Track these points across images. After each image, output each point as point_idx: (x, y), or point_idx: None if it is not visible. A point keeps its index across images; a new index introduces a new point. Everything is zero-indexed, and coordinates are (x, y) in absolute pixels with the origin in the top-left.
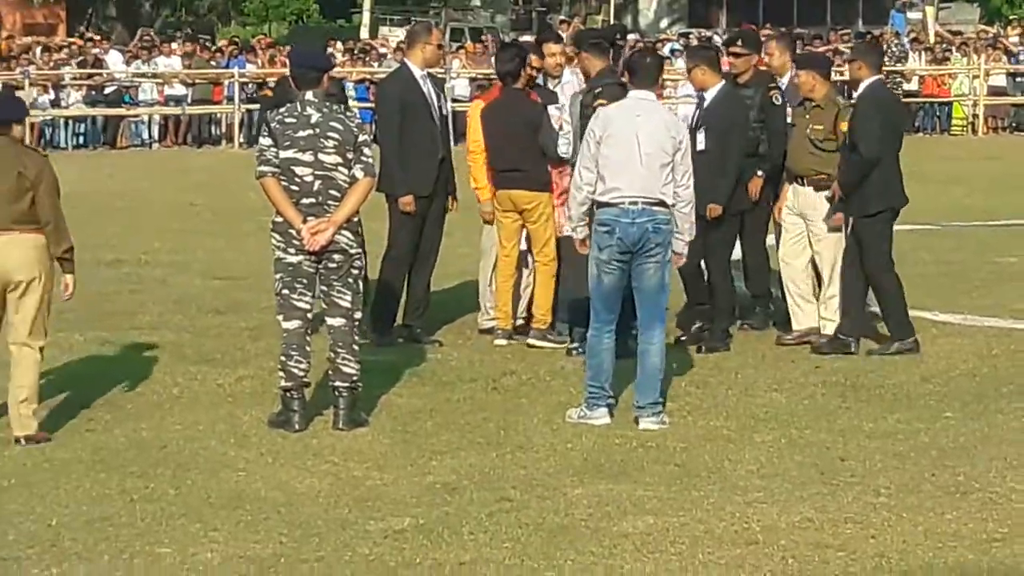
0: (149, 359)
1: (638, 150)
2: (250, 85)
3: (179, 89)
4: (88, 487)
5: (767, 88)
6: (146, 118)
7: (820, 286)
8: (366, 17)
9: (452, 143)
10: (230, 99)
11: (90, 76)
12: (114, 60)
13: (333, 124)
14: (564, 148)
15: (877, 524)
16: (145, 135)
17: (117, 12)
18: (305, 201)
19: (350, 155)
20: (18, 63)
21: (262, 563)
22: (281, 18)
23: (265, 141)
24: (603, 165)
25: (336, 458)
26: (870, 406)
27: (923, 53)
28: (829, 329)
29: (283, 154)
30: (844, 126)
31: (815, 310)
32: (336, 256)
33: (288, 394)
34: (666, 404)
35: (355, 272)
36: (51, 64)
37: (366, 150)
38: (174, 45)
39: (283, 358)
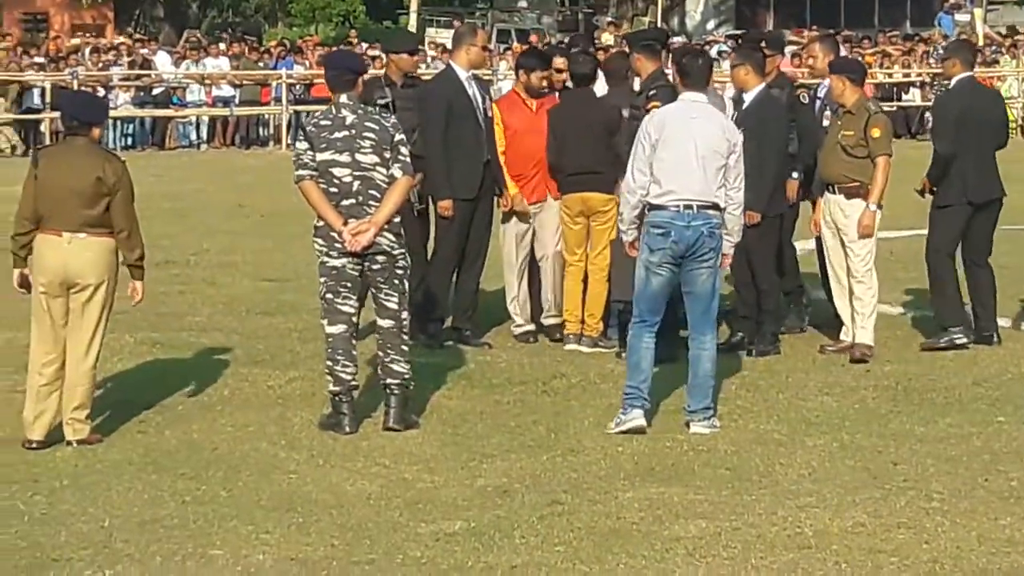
0: (199, 361)
1: (695, 153)
2: (298, 86)
3: (227, 90)
4: (140, 489)
5: (794, 87)
6: (194, 119)
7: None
8: (413, 18)
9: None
10: (278, 100)
11: (138, 77)
12: (162, 61)
13: (369, 124)
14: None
15: (930, 529)
16: (193, 136)
17: (164, 13)
18: (345, 202)
19: (387, 155)
20: (67, 64)
21: (314, 565)
22: (328, 19)
23: (301, 145)
24: (658, 168)
25: (387, 460)
26: (922, 410)
27: None
28: (861, 338)
29: (320, 156)
30: (875, 132)
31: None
32: (379, 258)
33: (337, 397)
34: (717, 408)
35: (400, 273)
36: (100, 65)
37: (403, 149)
38: (221, 46)
39: (329, 363)
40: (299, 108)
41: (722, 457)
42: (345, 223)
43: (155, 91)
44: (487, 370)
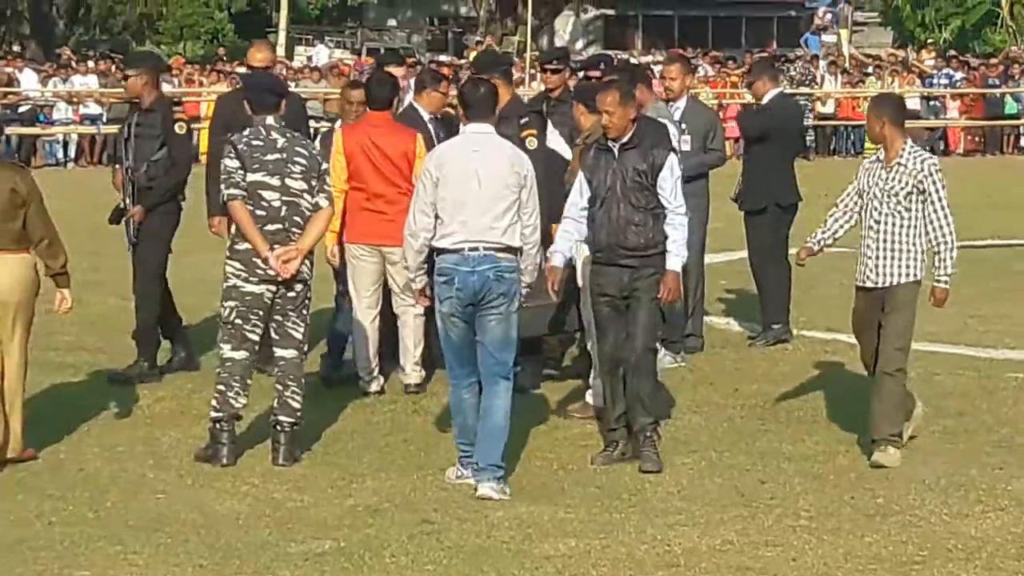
0: (66, 380)
1: (478, 189)
2: None
3: (94, 108)
4: (6, 509)
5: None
6: (61, 137)
7: None
8: (282, 37)
9: None
10: None
11: (4, 95)
12: (28, 79)
13: (298, 150)
14: None
15: (798, 547)
16: (60, 154)
17: (31, 30)
18: (270, 227)
19: (314, 182)
20: None
21: None
22: (196, 37)
23: (232, 163)
24: (440, 208)
25: (256, 480)
26: (789, 428)
27: (839, 75)
28: (589, 398)
29: (251, 177)
30: None
31: None
32: (297, 286)
33: (218, 425)
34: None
35: (308, 303)
36: None
37: (327, 179)
38: (90, 63)
39: (222, 387)
40: None
41: (591, 476)
42: (271, 249)
43: (21, 109)
44: (357, 389)
